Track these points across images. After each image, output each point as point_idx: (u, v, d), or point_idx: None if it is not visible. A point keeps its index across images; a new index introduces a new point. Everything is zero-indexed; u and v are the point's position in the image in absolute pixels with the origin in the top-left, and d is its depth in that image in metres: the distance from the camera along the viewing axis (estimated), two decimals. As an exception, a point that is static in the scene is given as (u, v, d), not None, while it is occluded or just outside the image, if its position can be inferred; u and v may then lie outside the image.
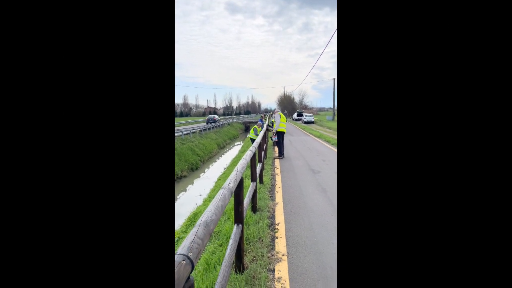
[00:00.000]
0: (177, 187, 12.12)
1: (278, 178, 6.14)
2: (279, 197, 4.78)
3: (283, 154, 8.53)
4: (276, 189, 5.27)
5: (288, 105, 54.84)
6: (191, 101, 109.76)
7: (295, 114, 42.14)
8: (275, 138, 8.81)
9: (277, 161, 8.03)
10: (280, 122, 8.44)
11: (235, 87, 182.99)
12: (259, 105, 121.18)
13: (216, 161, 18.72)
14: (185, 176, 15.15)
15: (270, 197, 4.82)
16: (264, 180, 5.76)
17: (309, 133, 18.69)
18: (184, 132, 20.73)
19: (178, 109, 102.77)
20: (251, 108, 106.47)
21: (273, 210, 4.19)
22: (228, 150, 23.25)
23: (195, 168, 16.69)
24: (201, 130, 24.44)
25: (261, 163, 5.56)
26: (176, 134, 19.70)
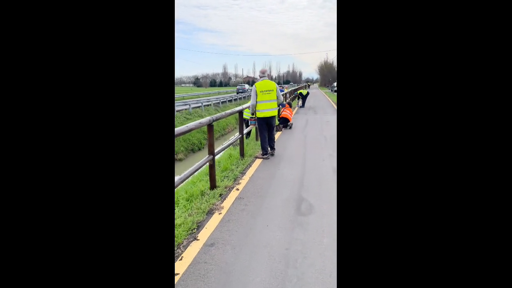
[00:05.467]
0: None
1: (207, 231, 2.76)
2: None
3: (267, 150, 5.01)
4: None
5: (328, 74, 48.67)
6: (231, 70, 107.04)
7: (334, 84, 36.88)
8: (252, 122, 5.30)
9: (254, 165, 4.61)
10: (258, 102, 4.78)
11: (276, 54, 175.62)
12: (300, 74, 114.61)
13: (230, 140, 15.51)
14: (179, 160, 12.10)
15: None
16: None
17: (343, 108, 14.50)
18: (193, 106, 17.71)
19: (217, 79, 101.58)
20: (292, 78, 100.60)
21: None
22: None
23: (197, 149, 13.52)
24: (218, 103, 21.22)
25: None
26: (182, 108, 16.79)
